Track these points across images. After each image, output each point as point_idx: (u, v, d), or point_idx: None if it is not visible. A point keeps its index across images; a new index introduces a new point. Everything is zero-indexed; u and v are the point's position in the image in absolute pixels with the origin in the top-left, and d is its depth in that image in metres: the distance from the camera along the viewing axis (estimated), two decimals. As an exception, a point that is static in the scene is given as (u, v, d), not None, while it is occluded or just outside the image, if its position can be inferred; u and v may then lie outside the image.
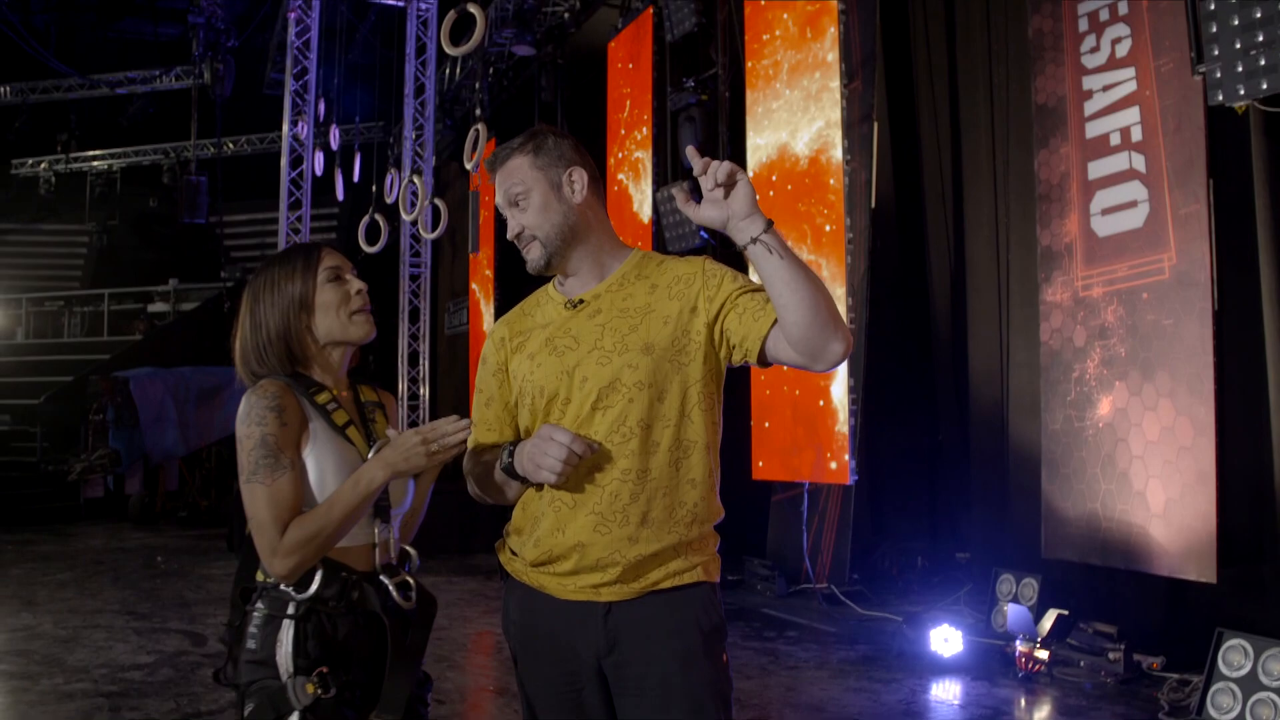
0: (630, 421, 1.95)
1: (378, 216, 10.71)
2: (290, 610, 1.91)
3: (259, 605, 1.94)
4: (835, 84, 7.17)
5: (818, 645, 6.13)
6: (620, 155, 9.93)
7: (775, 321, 1.91)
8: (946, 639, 5.49)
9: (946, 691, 5.12)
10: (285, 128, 11.84)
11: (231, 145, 18.39)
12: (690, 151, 1.87)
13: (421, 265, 13.33)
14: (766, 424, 7.69)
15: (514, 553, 2.09)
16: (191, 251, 18.75)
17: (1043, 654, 5.17)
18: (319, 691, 1.86)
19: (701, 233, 8.47)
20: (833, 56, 7.18)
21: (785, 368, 7.41)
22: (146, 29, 16.49)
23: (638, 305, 2.03)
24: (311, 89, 11.88)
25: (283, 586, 1.93)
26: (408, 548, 2.11)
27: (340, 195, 12.22)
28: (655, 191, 9.06)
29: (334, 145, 12.22)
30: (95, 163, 19.61)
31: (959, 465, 7.47)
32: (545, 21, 11.22)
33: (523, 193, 2.06)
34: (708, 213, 1.87)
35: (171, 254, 19.26)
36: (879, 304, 7.50)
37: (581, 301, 2.07)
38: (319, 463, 1.96)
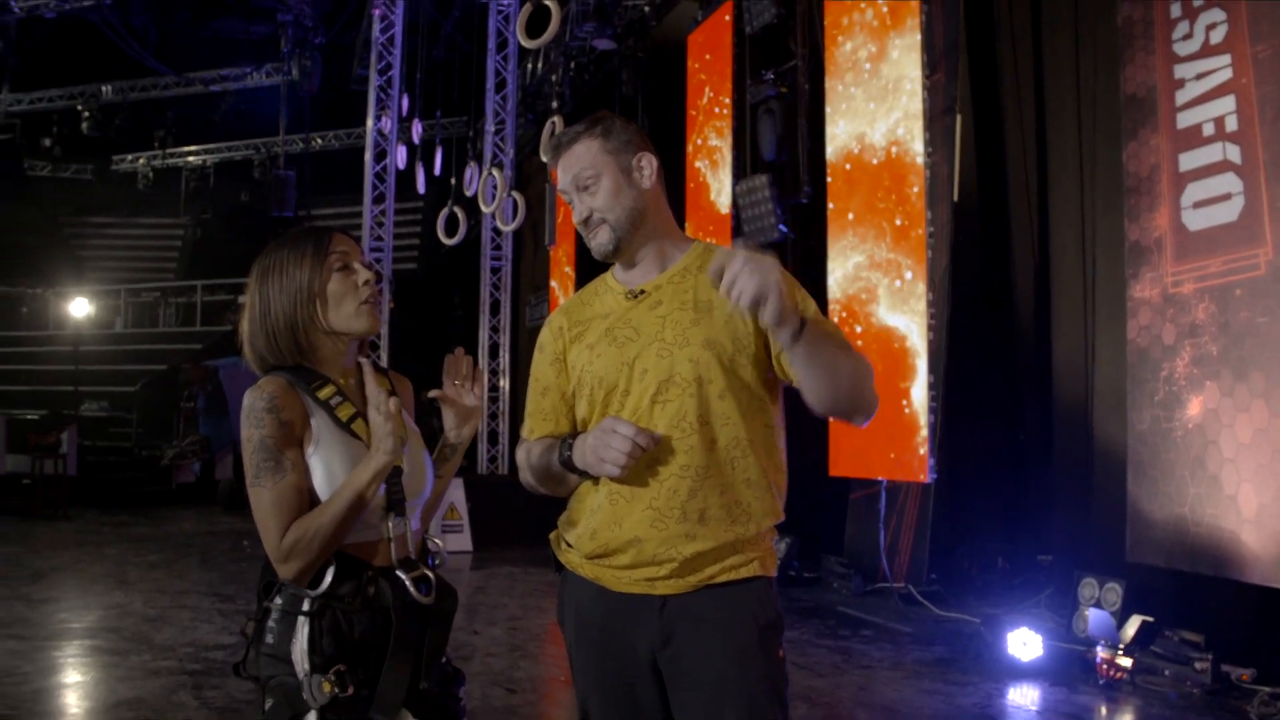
0: (690, 417, 1.93)
1: (456, 209, 10.84)
2: (305, 607, 1.86)
3: (277, 600, 1.90)
4: (915, 75, 7.05)
5: (892, 645, 6.05)
6: (699, 143, 9.91)
7: None
8: (1025, 642, 5.37)
9: (1024, 696, 5.01)
10: (370, 122, 12.05)
11: (319, 141, 18.78)
12: (710, 274, 1.76)
13: (502, 259, 13.46)
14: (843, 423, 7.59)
15: (569, 544, 2.09)
16: (280, 244, 19.12)
17: (1125, 661, 5.02)
18: (336, 690, 1.81)
19: (780, 226, 8.41)
20: (914, 48, 7.06)
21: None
22: (239, 28, 16.92)
23: (700, 299, 1.99)
24: (395, 84, 12.07)
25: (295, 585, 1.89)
26: (435, 540, 2.07)
27: (422, 189, 12.40)
28: (735, 185, 9.01)
29: (416, 140, 12.39)
30: (190, 158, 20.22)
31: (1041, 465, 7.29)
32: (625, 15, 11.22)
33: (593, 176, 2.02)
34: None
35: (261, 246, 19.61)
36: (960, 300, 7.36)
37: (643, 292, 2.04)
38: (325, 461, 1.90)
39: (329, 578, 1.86)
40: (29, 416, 14.14)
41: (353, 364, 2.05)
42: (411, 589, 1.91)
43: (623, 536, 1.96)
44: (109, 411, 16.53)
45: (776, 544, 8.07)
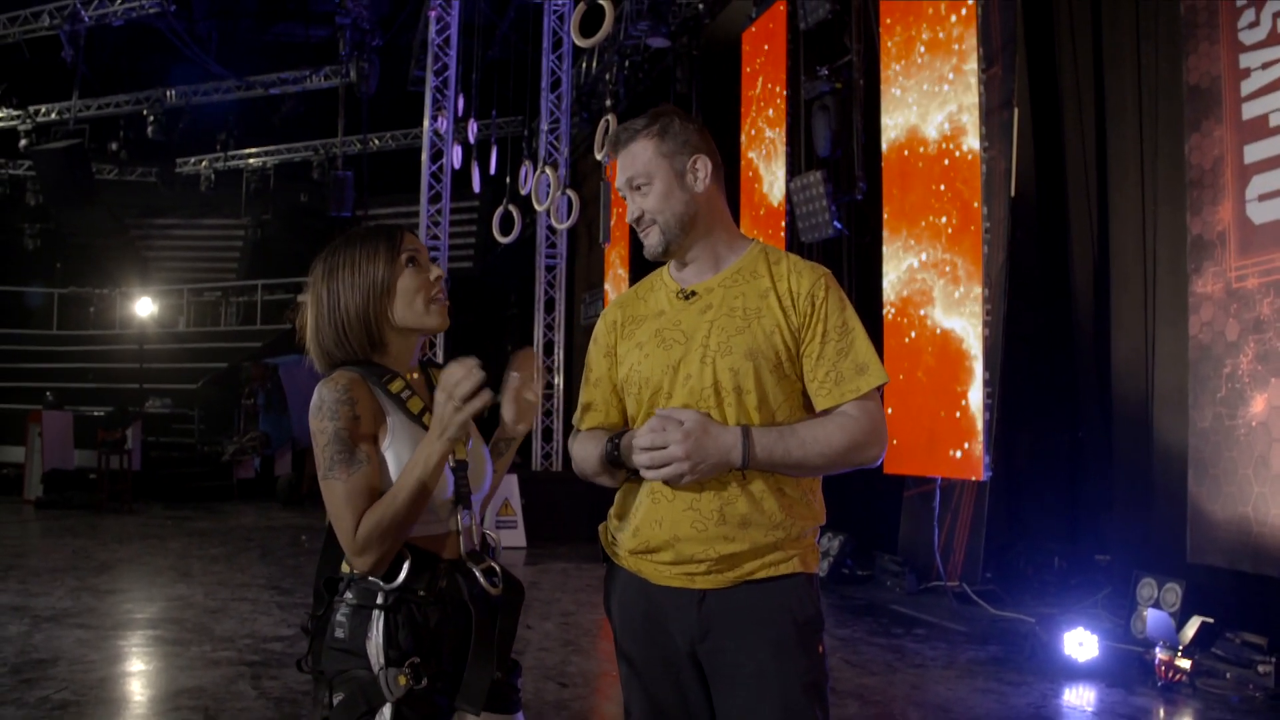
0: (730, 424, 1.95)
1: (511, 208, 10.92)
2: (380, 600, 1.86)
3: (347, 595, 1.90)
4: (969, 67, 6.97)
5: (946, 644, 5.99)
6: (752, 133, 9.90)
7: (829, 408, 2.00)
8: (1082, 643, 5.29)
9: (1080, 698, 4.94)
10: (426, 123, 12.18)
11: (377, 142, 19.02)
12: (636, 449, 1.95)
13: (557, 257, 13.53)
14: (899, 417, 7.53)
15: (614, 538, 2.12)
16: (339, 244, 19.40)
17: (1185, 663, 4.92)
18: (411, 683, 1.82)
19: (835, 223, 8.36)
20: (971, 41, 6.98)
21: (913, 365, 7.25)
22: (298, 32, 17.20)
23: (749, 306, 2.01)
24: (451, 85, 12.19)
25: (371, 577, 1.88)
26: (489, 533, 2.06)
27: (477, 188, 12.52)
28: (789, 181, 8.98)
29: (472, 139, 12.51)
30: (251, 160, 20.56)
31: (1099, 463, 7.17)
32: (680, 13, 11.23)
33: (646, 178, 2.05)
34: None
35: (320, 246, 19.89)
36: (1018, 296, 7.26)
37: (694, 294, 2.06)
38: (398, 454, 1.90)
39: (405, 570, 1.87)
40: (96, 413, 14.50)
41: (416, 363, 2.07)
42: (482, 580, 1.92)
43: (663, 535, 1.98)
44: (172, 408, 16.88)
45: (830, 541, 8.02)
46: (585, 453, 2.11)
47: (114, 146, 19.38)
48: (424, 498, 1.85)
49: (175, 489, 13.97)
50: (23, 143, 18.18)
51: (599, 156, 9.43)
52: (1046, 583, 7.26)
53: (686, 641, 1.99)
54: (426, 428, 1.93)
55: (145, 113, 17.91)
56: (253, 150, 20.40)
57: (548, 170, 10.40)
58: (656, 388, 2.02)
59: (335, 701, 1.86)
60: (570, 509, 10.08)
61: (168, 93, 17.84)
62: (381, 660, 1.83)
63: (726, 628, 1.96)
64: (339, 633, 1.88)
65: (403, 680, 1.81)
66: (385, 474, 1.90)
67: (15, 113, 18.20)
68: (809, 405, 2.03)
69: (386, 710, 1.82)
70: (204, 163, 20.51)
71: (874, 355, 2.01)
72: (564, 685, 4.96)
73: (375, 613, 1.86)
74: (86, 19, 14.20)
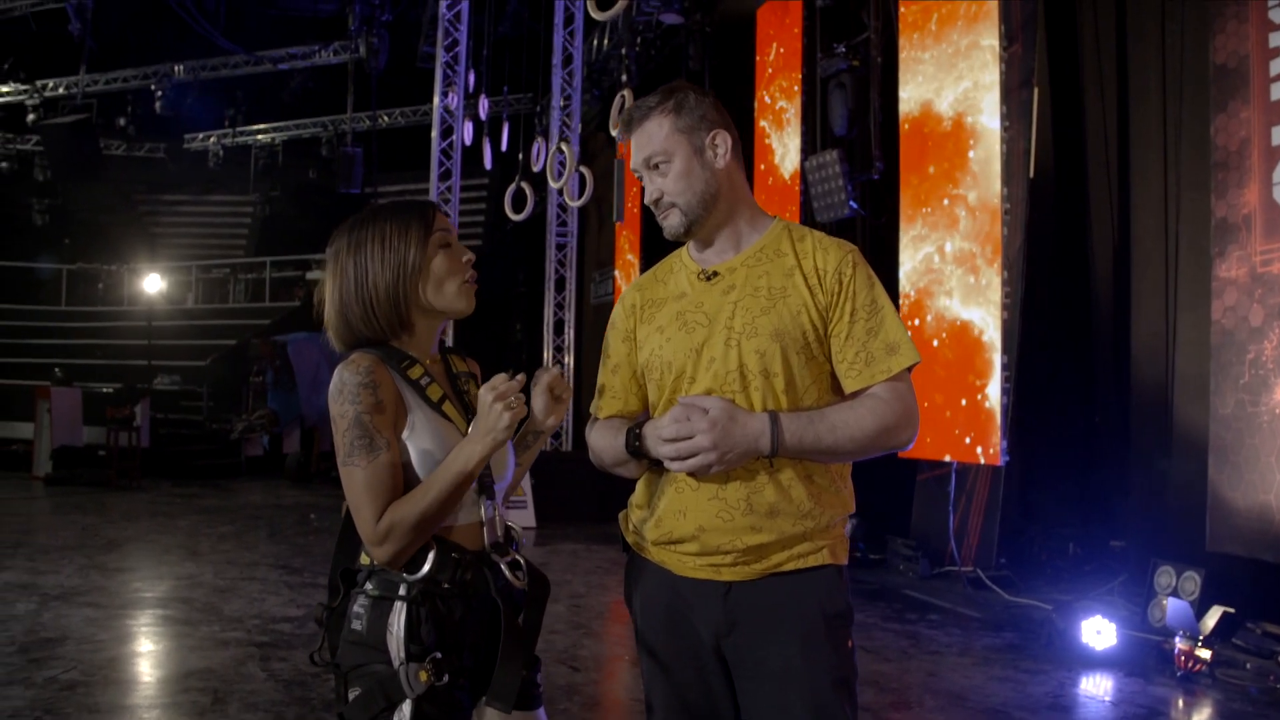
0: (756, 408, 1.88)
1: (524, 185, 10.83)
2: (402, 592, 1.79)
3: (367, 586, 1.83)
4: (986, 43, 6.85)
5: (961, 630, 5.93)
6: (765, 102, 9.80)
7: (858, 389, 1.93)
8: (1099, 631, 5.23)
9: (1097, 687, 4.88)
10: (436, 99, 12.08)
11: (386, 118, 18.89)
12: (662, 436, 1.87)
13: (568, 234, 13.45)
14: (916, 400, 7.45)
15: (635, 527, 2.05)
16: (348, 221, 19.35)
17: (1204, 653, 4.85)
18: (433, 679, 1.75)
19: (851, 203, 8.26)
20: (991, 19, 6.87)
21: (935, 343, 7.18)
22: (306, 6, 17.05)
23: (774, 285, 1.94)
24: (462, 60, 12.08)
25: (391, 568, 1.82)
26: (511, 524, 2.01)
27: (489, 164, 12.43)
28: (804, 160, 8.87)
29: (483, 115, 12.41)
30: (259, 136, 20.45)
31: (1117, 449, 7.09)
32: (694, -11, 11.10)
33: (663, 157, 1.97)
34: None
35: (329, 223, 19.68)
36: (1036, 279, 7.18)
37: (716, 274, 1.98)
38: (418, 442, 1.83)
39: (429, 562, 1.80)
40: (105, 390, 14.48)
41: (435, 348, 2.00)
42: (507, 573, 1.86)
43: (687, 526, 1.91)
44: (181, 385, 16.85)
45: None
46: (604, 443, 2.04)
47: (122, 122, 19.30)
48: (458, 496, 1.80)
49: (183, 466, 13.95)
50: (30, 117, 18.10)
51: (614, 133, 9.32)
52: (1061, 569, 7.19)
53: (711, 635, 1.92)
54: (446, 416, 1.87)
55: (153, 88, 17.82)
56: (261, 126, 20.27)
57: (563, 147, 10.30)
58: (679, 372, 1.94)
59: (352, 697, 1.80)
60: (580, 490, 10.05)
61: (176, 68, 17.72)
62: (402, 655, 1.77)
63: (753, 621, 1.89)
64: (356, 625, 1.81)
65: (424, 676, 1.75)
66: (408, 463, 1.83)
67: (23, 87, 18.11)
68: (837, 387, 1.95)
69: (406, 707, 1.75)
70: (212, 139, 20.40)
71: (905, 334, 1.94)
72: (575, 669, 4.92)
73: (397, 604, 1.79)
74: (94, -9, 14.09)
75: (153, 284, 17.69)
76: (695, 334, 1.94)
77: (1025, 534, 7.44)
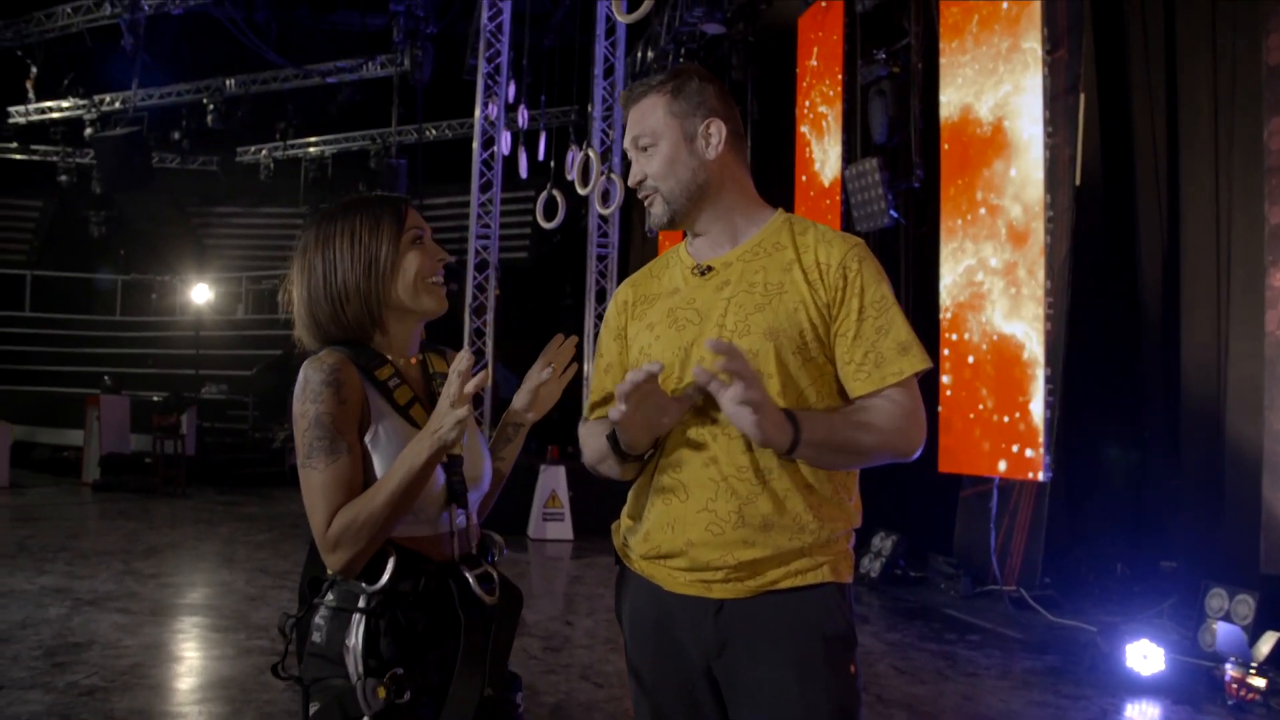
0: None
1: (555, 192, 10.79)
2: (361, 604, 1.70)
3: (329, 596, 1.74)
4: (1028, 45, 6.68)
5: (1001, 652, 5.74)
6: (805, 109, 9.69)
7: (868, 393, 1.78)
8: (1146, 655, 5.01)
9: (1143, 714, 4.68)
10: (477, 110, 12.10)
11: (433, 131, 18.99)
12: (696, 376, 1.65)
13: (609, 245, 13.37)
14: (955, 414, 7.27)
15: (625, 540, 1.94)
16: (394, 233, 19.50)
17: (1259, 681, 4.62)
18: (392, 696, 1.65)
19: (891, 212, 8.11)
20: (1034, 24, 6.69)
21: (971, 359, 6.99)
22: (355, 20, 17.20)
23: (770, 280, 1.81)
24: (504, 71, 12.09)
25: (352, 579, 1.72)
26: (492, 534, 1.91)
27: (524, 173, 12.41)
28: (845, 168, 8.74)
29: (522, 126, 12.41)
30: (310, 149, 20.67)
31: (1167, 465, 6.85)
32: (735, -1, 11.00)
33: (651, 140, 1.87)
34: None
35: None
36: (1081, 290, 6.97)
37: (710, 269, 1.88)
38: (382, 447, 1.74)
39: (389, 571, 1.71)
40: (154, 398, 14.66)
41: (415, 349, 1.91)
42: (475, 587, 1.76)
43: (676, 541, 1.79)
44: (227, 394, 17.04)
45: (882, 541, 7.73)
46: (589, 441, 1.93)
47: (176, 136, 19.58)
48: (407, 500, 1.68)
49: (228, 474, 14.07)
50: (88, 131, 18.45)
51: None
52: (1108, 590, 6.97)
53: (701, 655, 1.80)
54: (413, 421, 1.78)
55: (205, 101, 18.07)
56: (312, 139, 20.49)
57: (590, 152, 10.23)
58: (667, 373, 1.82)
59: (312, 712, 1.71)
60: (619, 502, 9.84)
61: (227, 82, 17.96)
62: (360, 669, 1.67)
63: (746, 642, 1.76)
64: (316, 637, 1.73)
65: (382, 693, 1.64)
66: (370, 467, 1.73)
67: (81, 102, 18.47)
68: (840, 391, 1.82)
69: None
70: (263, 151, 20.65)
71: (914, 335, 1.80)
72: (599, 685, 4.81)
73: (355, 617, 1.70)
74: (146, 7, 14.32)
75: (201, 294, 17.92)
76: (685, 332, 1.84)
77: (1071, 553, 7.23)
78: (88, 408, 13.60)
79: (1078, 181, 6.85)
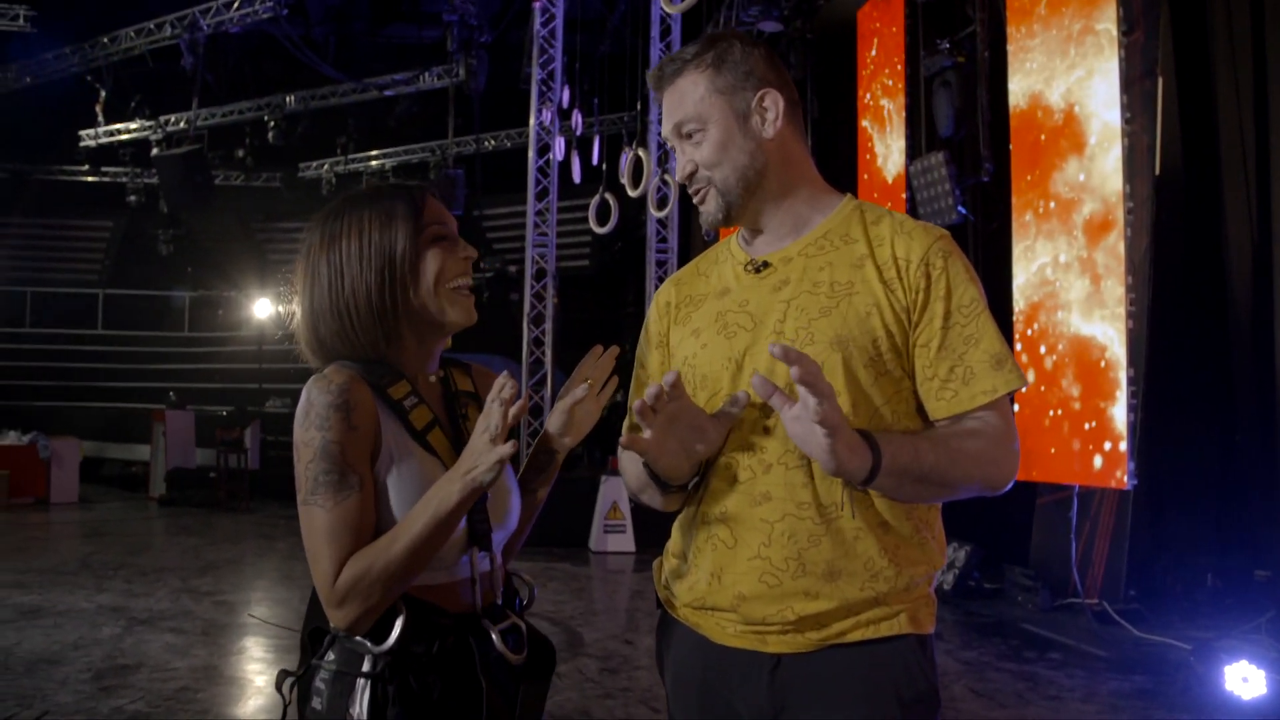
0: None
1: (608, 196, 10.64)
2: (365, 667, 1.46)
3: (329, 656, 1.49)
4: (1102, 27, 6.34)
5: (1085, 672, 5.40)
6: (867, 101, 9.41)
7: (955, 414, 1.50)
8: (1246, 677, 4.65)
9: (1245, 740, 4.33)
10: (532, 118, 12.00)
11: (491, 141, 18.98)
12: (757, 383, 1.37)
13: (668, 251, 13.15)
14: (1031, 418, 6.93)
15: (667, 582, 1.68)
16: (453, 244, 19.57)
17: (1372, 703, 4.26)
18: None
19: (959, 208, 7.79)
20: (1109, 4, 6.35)
21: (1049, 363, 6.65)
22: (411, 33, 17.25)
23: (838, 279, 1.52)
24: (558, 77, 11.97)
25: (357, 637, 1.47)
26: (524, 576, 1.66)
27: (577, 178, 12.30)
28: (909, 164, 8.44)
29: (576, 131, 12.29)
30: (371, 162, 20.79)
31: (1259, 470, 6.43)
32: (793, -4, 10.76)
33: (697, 124, 1.58)
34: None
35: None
36: (1164, 287, 6.59)
37: (766, 264, 1.58)
38: (396, 480, 1.49)
39: (397, 630, 1.45)
40: (221, 413, 14.76)
41: (435, 365, 1.65)
42: (499, 644, 1.51)
43: (724, 595, 1.53)
44: (290, 408, 17.12)
45: (955, 552, 7.35)
46: (630, 468, 1.67)
47: (240, 153, 19.83)
48: (430, 550, 1.44)
49: (290, 488, 14.00)
50: (154, 151, 18.74)
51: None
52: (1198, 602, 6.56)
53: (754, 718, 1.53)
54: (430, 448, 1.52)
55: (266, 118, 18.25)
56: (372, 153, 20.60)
57: (639, 152, 10.04)
58: (715, 389, 1.56)
59: None
60: (659, 517, 9.72)
61: (287, 98, 18.12)
62: None
63: (807, 704, 1.49)
64: (317, 703, 1.48)
65: None
66: (384, 504, 1.48)
67: (148, 123, 18.77)
68: (920, 410, 1.54)
69: None
70: (325, 166, 20.81)
71: (1006, 346, 1.52)
72: (656, 710, 4.59)
73: (360, 681, 1.45)
74: (205, 27, 14.47)
75: (263, 309, 18.07)
76: (737, 340, 1.56)
77: (1157, 563, 6.84)
78: (154, 423, 13.75)
79: (1157, 171, 6.49)
